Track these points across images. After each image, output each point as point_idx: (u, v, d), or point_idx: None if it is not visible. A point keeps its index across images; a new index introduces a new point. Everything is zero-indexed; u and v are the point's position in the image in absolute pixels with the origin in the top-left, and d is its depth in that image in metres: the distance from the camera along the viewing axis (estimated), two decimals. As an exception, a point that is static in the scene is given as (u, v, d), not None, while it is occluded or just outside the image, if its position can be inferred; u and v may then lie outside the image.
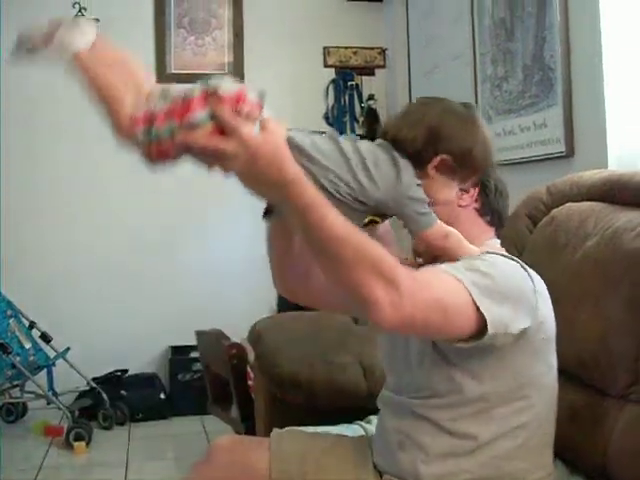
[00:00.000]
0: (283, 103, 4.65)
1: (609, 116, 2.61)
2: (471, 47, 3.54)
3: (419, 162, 1.42)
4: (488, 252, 1.54)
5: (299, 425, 2.00)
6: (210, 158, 1.24)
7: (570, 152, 2.83)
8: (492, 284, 1.41)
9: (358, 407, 2.14)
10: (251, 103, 1.24)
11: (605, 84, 2.61)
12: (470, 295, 1.36)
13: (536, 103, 3.03)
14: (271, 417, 2.29)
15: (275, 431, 1.94)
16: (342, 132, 4.71)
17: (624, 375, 1.83)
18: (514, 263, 1.54)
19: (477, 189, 1.65)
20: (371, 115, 4.76)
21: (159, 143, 1.20)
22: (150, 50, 4.55)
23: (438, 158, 1.44)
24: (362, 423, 2.03)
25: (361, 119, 4.78)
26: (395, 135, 1.43)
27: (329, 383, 2.21)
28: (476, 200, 1.66)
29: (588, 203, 2.20)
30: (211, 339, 2.93)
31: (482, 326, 1.37)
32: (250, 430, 2.67)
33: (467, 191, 1.63)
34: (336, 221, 1.26)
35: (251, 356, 2.74)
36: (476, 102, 3.52)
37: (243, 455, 1.74)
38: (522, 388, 1.53)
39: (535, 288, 1.51)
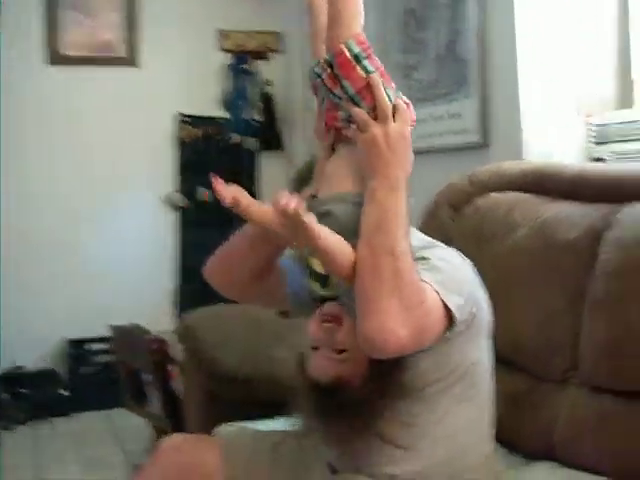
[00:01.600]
0: (178, 88, 4.57)
1: (523, 108, 2.70)
2: (378, 34, 3.56)
3: None
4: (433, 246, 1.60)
5: (236, 420, 2.00)
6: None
7: (486, 142, 2.92)
8: (447, 278, 1.46)
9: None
10: None
11: (520, 77, 2.70)
12: (439, 295, 1.41)
13: (450, 93, 3.10)
14: (207, 413, 2.25)
15: (223, 428, 1.93)
16: (238, 118, 4.66)
17: (562, 361, 1.92)
18: (456, 253, 1.60)
19: None
20: (267, 101, 4.74)
21: None
22: (40, 31, 4.34)
23: None
24: (300, 416, 2.05)
25: (257, 104, 4.75)
26: None
27: (270, 378, 2.19)
28: None
29: (513, 194, 2.28)
30: (128, 334, 2.86)
31: (449, 321, 1.43)
32: (176, 426, 2.63)
33: None
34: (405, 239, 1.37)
35: (173, 351, 2.69)
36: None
37: (193, 455, 1.71)
38: (466, 371, 1.58)
39: (475, 276, 1.59)
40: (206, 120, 4.64)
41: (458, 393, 1.57)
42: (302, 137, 4.65)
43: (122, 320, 3.58)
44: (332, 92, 1.45)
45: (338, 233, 1.37)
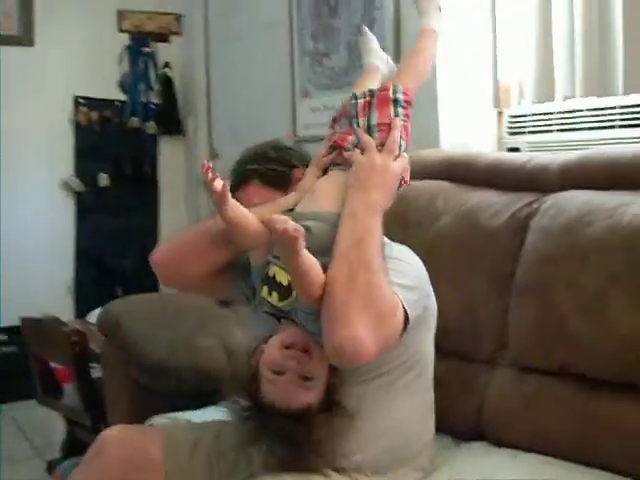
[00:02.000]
0: (76, 69, 4.43)
1: (440, 97, 2.77)
2: (288, 20, 3.56)
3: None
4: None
5: (165, 411, 1.99)
6: None
7: (398, 130, 2.96)
8: (405, 276, 1.53)
9: (221, 389, 2.16)
10: None
11: (436, 66, 2.75)
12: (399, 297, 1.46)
13: (361, 81, 3.12)
14: (133, 406, 2.22)
15: (156, 420, 1.92)
16: (137, 100, 4.56)
17: (490, 343, 2.00)
18: (409, 250, 1.67)
19: None
20: (166, 84, 4.66)
21: None
22: None
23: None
24: (228, 404, 2.05)
25: (156, 88, 4.66)
26: None
27: (195, 368, 2.19)
28: None
29: (435, 182, 2.34)
30: (42, 325, 2.77)
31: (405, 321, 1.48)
32: (97, 420, 2.58)
33: None
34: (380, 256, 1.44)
35: (93, 343, 2.64)
36: (293, 76, 3.57)
37: (136, 447, 1.69)
38: (415, 363, 1.66)
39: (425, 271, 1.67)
40: (104, 103, 4.51)
41: (405, 384, 1.64)
42: (203, 122, 4.59)
43: (15, 309, 3.48)
44: (357, 117, 1.58)
45: (311, 250, 1.40)
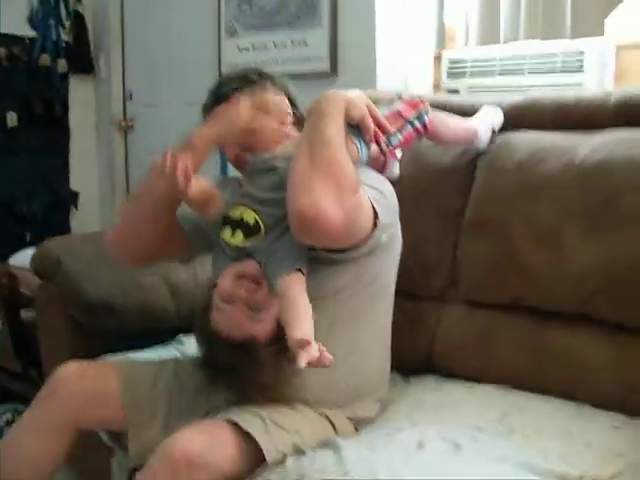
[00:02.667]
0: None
1: (379, 38, 2.77)
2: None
3: None
4: None
5: (107, 353, 1.97)
6: None
7: (333, 71, 2.97)
8: (380, 196, 1.58)
9: (166, 328, 2.14)
10: None
11: (376, 7, 2.76)
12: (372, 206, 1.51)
13: (294, 21, 3.10)
14: (74, 348, 2.16)
15: (107, 359, 1.90)
16: (47, 37, 4.36)
17: (440, 279, 2.05)
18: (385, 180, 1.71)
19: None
20: (78, 20, 4.46)
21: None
22: None
23: None
24: (174, 344, 2.05)
25: (67, 24, 4.46)
26: None
27: (141, 306, 2.14)
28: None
29: (377, 122, 2.35)
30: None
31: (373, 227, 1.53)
32: (28, 365, 2.52)
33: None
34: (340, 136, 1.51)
35: (26, 285, 2.55)
36: (218, 14, 3.48)
37: (94, 382, 1.68)
38: (378, 290, 1.71)
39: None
40: (12, 39, 4.27)
41: (366, 312, 1.67)
42: (117, 61, 4.44)
43: None
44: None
45: (280, 186, 1.48)
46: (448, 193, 2.06)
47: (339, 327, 1.62)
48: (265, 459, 1.44)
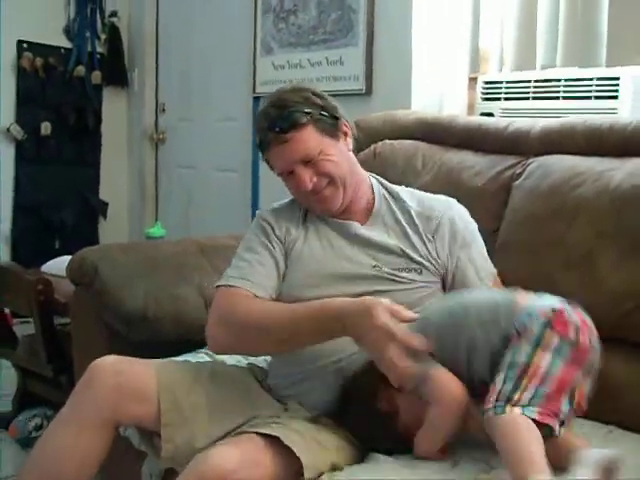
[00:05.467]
0: (19, 13, 4.26)
1: (415, 59, 2.81)
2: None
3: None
4: None
5: None
6: None
7: (368, 90, 3.00)
8: None
9: (200, 339, 2.17)
10: None
11: (413, 28, 2.79)
12: None
13: (331, 40, 3.15)
14: (108, 355, 2.19)
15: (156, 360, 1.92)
16: (82, 48, 4.45)
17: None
18: None
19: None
20: (113, 33, 4.55)
21: None
22: None
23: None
24: (206, 351, 2.07)
25: (103, 36, 4.55)
26: None
27: (175, 317, 2.17)
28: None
29: (410, 142, 2.38)
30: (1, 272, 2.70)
31: None
32: (60, 371, 2.56)
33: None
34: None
35: (59, 292, 2.59)
36: (254, 31, 3.54)
37: (130, 377, 1.66)
38: None
39: None
40: (48, 49, 4.37)
41: None
42: (151, 74, 4.51)
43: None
44: None
45: None
46: (482, 213, 2.07)
47: None
48: (303, 475, 1.43)
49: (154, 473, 1.79)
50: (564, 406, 1.34)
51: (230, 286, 1.70)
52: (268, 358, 1.89)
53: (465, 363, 1.46)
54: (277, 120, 1.67)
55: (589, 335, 1.40)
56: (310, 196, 1.72)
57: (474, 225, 1.81)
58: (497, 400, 1.33)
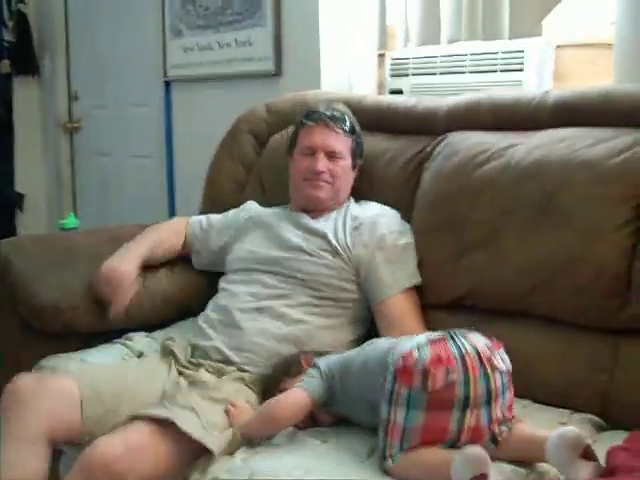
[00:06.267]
0: None
1: (323, 38, 2.77)
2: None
3: None
4: None
5: (56, 352, 1.98)
6: None
7: (278, 71, 2.96)
8: None
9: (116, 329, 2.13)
10: None
11: (320, 7, 2.75)
12: None
13: (238, 21, 3.09)
14: (23, 348, 2.12)
15: (57, 361, 1.93)
16: (-12, 37, 4.29)
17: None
18: None
19: None
20: (21, 20, 4.39)
21: None
22: None
23: None
24: (122, 341, 2.07)
25: (10, 24, 4.39)
26: None
27: (90, 308, 2.11)
28: None
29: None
30: None
31: None
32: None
33: None
34: None
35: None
36: (163, 14, 3.45)
37: (52, 381, 1.69)
38: None
39: None
40: (-47, 40, 4.20)
41: None
42: (62, 62, 4.38)
43: None
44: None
45: None
46: (397, 201, 2.08)
47: None
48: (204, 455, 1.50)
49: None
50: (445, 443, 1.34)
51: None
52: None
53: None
54: (335, 112, 2.05)
55: (447, 371, 1.32)
56: (311, 178, 2.01)
57: (405, 240, 1.95)
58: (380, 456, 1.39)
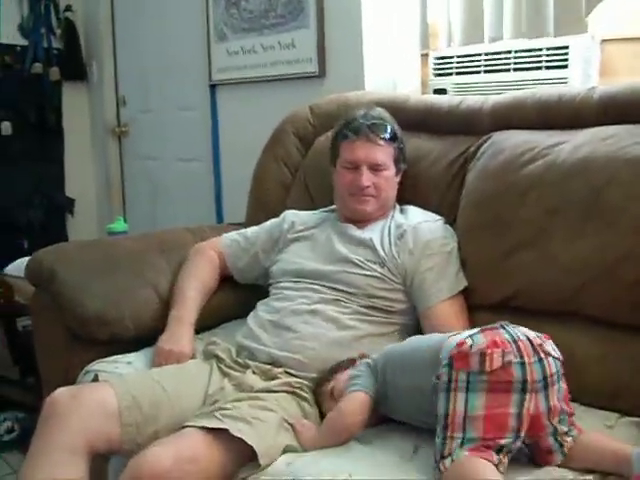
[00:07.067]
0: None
1: (366, 39, 2.77)
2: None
3: None
4: None
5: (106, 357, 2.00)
6: None
7: (321, 73, 2.97)
8: None
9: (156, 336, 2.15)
10: None
11: (363, 8, 2.76)
12: None
13: (282, 24, 3.11)
14: (69, 355, 2.16)
15: (101, 367, 1.93)
16: (38, 45, 4.37)
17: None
18: None
19: None
20: (69, 28, 4.47)
21: None
22: None
23: None
24: None
25: (58, 32, 4.47)
26: None
27: (134, 319, 2.14)
28: None
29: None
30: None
31: None
32: (26, 372, 2.53)
33: None
34: None
35: (21, 294, 2.56)
36: (207, 19, 3.49)
37: (90, 397, 1.65)
38: None
39: None
40: (4, 48, 4.28)
41: None
42: (109, 67, 4.45)
43: None
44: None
45: None
46: (440, 202, 2.08)
47: None
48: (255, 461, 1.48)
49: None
50: (508, 434, 1.31)
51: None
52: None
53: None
54: (375, 120, 2.02)
55: (503, 353, 1.32)
56: (356, 193, 2.00)
57: (450, 245, 1.95)
58: (435, 461, 1.34)
